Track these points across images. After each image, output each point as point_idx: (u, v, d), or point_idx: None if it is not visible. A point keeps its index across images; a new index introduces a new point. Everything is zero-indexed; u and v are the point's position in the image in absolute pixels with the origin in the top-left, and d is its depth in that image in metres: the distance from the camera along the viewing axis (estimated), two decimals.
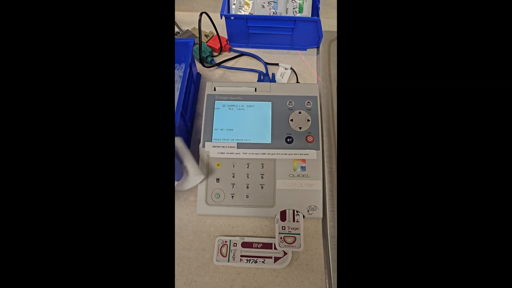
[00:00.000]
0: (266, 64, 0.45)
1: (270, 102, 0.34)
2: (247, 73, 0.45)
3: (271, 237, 0.33)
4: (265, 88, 0.35)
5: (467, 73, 0.18)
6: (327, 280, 0.31)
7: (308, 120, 0.34)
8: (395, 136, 0.19)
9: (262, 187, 0.32)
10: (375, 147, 0.19)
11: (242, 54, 0.47)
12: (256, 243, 0.32)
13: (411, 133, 0.19)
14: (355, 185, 0.19)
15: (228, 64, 0.46)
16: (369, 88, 0.19)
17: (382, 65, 0.19)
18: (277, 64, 0.46)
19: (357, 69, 0.19)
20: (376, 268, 0.18)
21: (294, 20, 0.42)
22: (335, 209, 0.34)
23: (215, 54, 0.48)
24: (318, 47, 0.48)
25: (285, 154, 0.32)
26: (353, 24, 0.19)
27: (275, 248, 0.32)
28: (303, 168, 0.32)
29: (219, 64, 0.46)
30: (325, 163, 0.35)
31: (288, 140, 0.33)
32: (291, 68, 0.45)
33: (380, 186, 0.18)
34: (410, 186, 0.18)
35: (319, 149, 0.33)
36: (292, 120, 0.34)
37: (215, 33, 0.45)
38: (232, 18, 0.43)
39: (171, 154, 0.19)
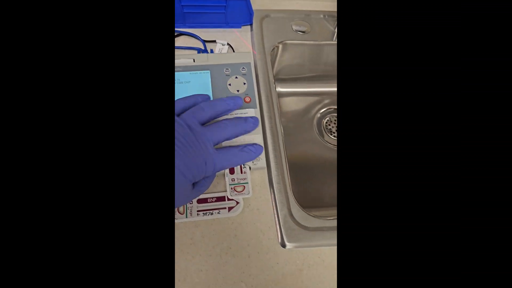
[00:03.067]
0: (204, 41, 0.48)
1: (209, 71, 0.37)
2: (187, 51, 0.48)
3: (223, 191, 0.36)
4: (202, 58, 0.38)
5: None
6: (276, 219, 0.35)
7: (244, 83, 0.37)
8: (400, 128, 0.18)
9: None
10: (377, 136, 0.18)
11: (180, 33, 0.49)
12: (210, 198, 0.35)
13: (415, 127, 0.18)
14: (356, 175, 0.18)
15: None
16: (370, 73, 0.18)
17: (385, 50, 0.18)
18: (214, 41, 0.49)
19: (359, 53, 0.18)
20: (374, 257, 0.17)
21: None
22: (278, 161, 0.38)
23: None
24: (251, 24, 0.52)
25: None
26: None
27: (228, 200, 0.36)
28: None
29: None
30: (266, 121, 0.40)
31: None
32: (228, 44, 0.48)
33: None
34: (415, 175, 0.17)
35: (256, 108, 0.37)
36: (230, 84, 0.37)
37: None
38: None
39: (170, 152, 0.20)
